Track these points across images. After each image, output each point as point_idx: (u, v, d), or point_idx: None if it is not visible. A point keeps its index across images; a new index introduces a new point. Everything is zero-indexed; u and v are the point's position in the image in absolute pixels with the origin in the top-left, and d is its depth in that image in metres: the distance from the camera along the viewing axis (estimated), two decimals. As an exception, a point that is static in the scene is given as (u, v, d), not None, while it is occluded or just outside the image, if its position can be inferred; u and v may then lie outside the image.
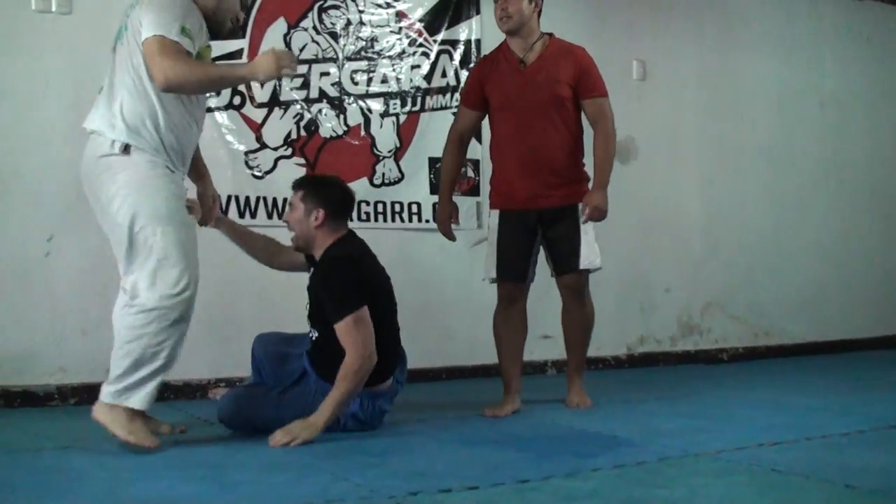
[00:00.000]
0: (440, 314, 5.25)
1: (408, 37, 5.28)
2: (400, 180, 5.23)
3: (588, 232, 3.97)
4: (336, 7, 5.08)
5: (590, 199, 3.88)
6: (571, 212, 3.96)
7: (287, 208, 3.69)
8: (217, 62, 3.71)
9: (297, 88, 4.95)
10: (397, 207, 5.22)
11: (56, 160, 4.22)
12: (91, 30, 4.29)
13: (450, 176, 4.21)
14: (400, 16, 5.26)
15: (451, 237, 4.24)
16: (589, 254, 3.97)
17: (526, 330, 4.11)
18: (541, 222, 3.98)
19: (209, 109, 4.48)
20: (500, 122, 4.04)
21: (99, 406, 3.04)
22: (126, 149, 3.06)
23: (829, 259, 6.78)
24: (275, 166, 4.89)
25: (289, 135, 4.94)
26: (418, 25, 5.31)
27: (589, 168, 4.10)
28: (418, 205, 5.25)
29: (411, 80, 5.26)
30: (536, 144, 3.92)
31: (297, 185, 3.60)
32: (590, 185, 4.00)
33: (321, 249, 3.50)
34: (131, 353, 3.00)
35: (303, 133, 4.97)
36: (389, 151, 5.20)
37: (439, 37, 5.34)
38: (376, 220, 5.12)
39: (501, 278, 4.02)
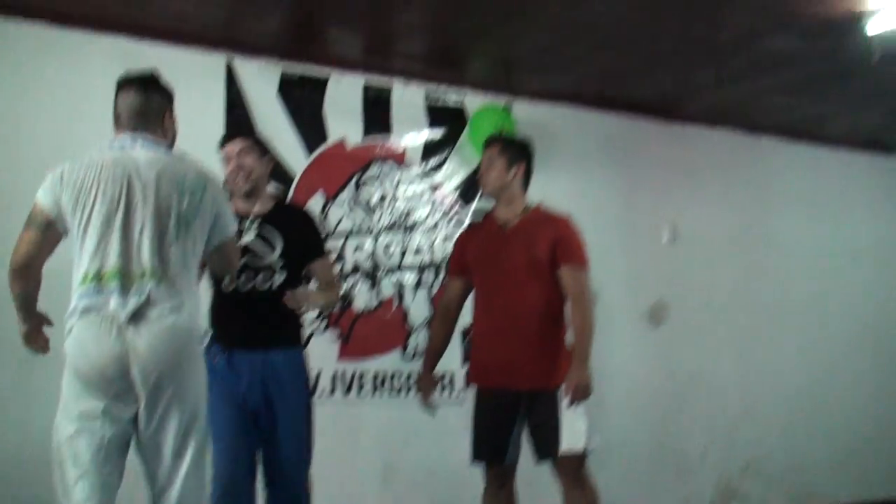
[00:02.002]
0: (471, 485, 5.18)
1: (442, 208, 5.39)
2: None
3: (573, 412, 3.74)
4: (372, 181, 5.20)
5: (570, 379, 3.70)
6: (550, 395, 3.77)
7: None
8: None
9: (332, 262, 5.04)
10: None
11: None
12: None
13: (435, 348, 4.12)
14: (434, 188, 5.37)
15: (433, 411, 4.11)
16: (572, 436, 3.74)
17: None
18: (520, 402, 3.81)
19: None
20: (479, 288, 3.97)
21: None
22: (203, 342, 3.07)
23: (868, 416, 6.64)
24: (308, 341, 4.91)
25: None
26: (452, 197, 5.42)
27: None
28: (451, 375, 5.24)
29: (445, 250, 5.30)
30: (512, 310, 3.80)
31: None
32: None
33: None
34: None
35: (336, 307, 5.03)
36: (422, 322, 5.23)
37: (473, 206, 5.44)
38: (408, 392, 5.09)
39: (478, 459, 3.88)
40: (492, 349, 3.84)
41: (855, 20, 4.55)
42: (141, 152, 2.93)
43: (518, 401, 3.79)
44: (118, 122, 3.02)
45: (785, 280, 6.47)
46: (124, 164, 2.88)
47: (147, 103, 3.02)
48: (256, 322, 3.55)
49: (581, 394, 3.70)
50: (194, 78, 4.43)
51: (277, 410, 3.50)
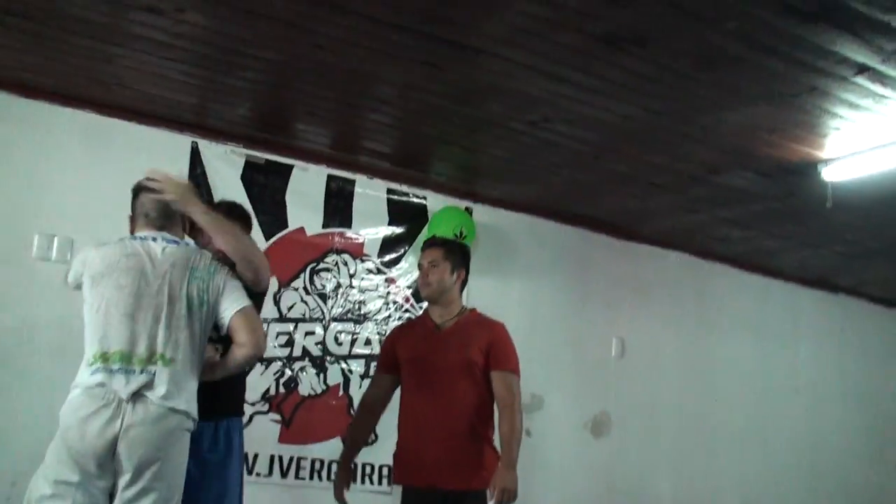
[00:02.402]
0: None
1: (395, 302, 5.44)
2: (374, 442, 5.24)
3: None
4: (328, 270, 5.26)
5: (497, 482, 3.70)
6: (477, 496, 3.76)
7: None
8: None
9: (282, 346, 5.07)
10: (368, 469, 5.22)
11: (29, 405, 4.26)
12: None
13: (354, 442, 4.13)
14: (389, 282, 5.44)
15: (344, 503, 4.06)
16: None
17: None
18: (446, 503, 3.78)
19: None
20: (408, 385, 3.94)
21: None
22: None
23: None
24: (250, 421, 4.92)
25: (267, 391, 4.99)
26: (406, 292, 5.48)
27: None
28: (389, 468, 5.24)
29: (395, 344, 5.37)
30: (442, 408, 3.80)
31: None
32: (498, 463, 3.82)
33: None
34: None
35: (282, 389, 5.03)
36: (365, 412, 5.24)
37: (425, 304, 5.48)
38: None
39: None
40: (420, 447, 3.82)
41: (812, 166, 4.74)
42: (161, 244, 3.15)
43: (445, 501, 3.77)
44: (141, 220, 3.23)
45: (727, 402, 6.60)
46: (142, 254, 3.10)
47: (171, 206, 3.22)
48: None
49: (507, 497, 3.71)
50: (158, 156, 4.50)
51: None
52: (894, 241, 5.99)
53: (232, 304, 3.14)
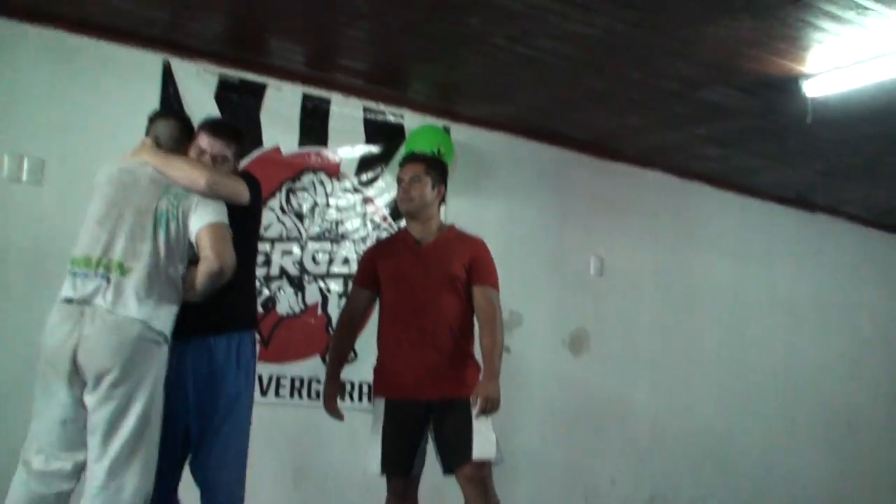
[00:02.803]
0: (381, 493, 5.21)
1: (372, 221, 5.41)
2: (353, 360, 5.25)
3: (483, 423, 3.79)
4: (304, 189, 5.22)
5: (481, 391, 3.77)
6: (461, 404, 3.81)
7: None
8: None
9: (259, 265, 5.03)
10: (348, 387, 5.22)
11: (3, 326, 4.24)
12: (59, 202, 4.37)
13: (338, 356, 4.14)
14: (367, 201, 5.40)
15: (339, 416, 4.09)
16: (483, 444, 3.77)
17: None
18: (430, 413, 3.84)
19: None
20: (389, 300, 3.97)
21: None
22: (166, 340, 3.12)
23: (774, 461, 6.83)
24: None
25: (245, 310, 4.99)
26: (384, 211, 5.44)
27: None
28: (369, 385, 5.26)
29: (373, 262, 5.35)
30: (425, 322, 3.84)
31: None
32: (480, 375, 3.88)
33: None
34: None
35: (260, 310, 5.01)
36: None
37: (402, 223, 5.46)
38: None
39: (387, 472, 3.86)
40: (403, 361, 3.86)
41: (793, 80, 4.69)
42: (152, 168, 3.23)
43: (427, 412, 3.83)
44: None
45: (704, 320, 6.66)
46: (134, 171, 3.21)
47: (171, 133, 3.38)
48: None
49: (490, 406, 3.76)
50: (129, 76, 4.44)
51: None
52: (873, 158, 5.99)
53: (199, 220, 3.15)
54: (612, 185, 6.29)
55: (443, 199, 4.07)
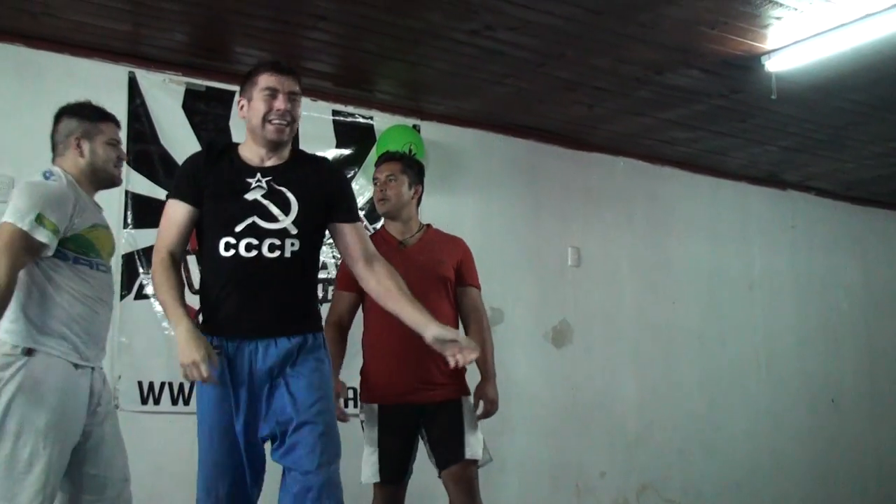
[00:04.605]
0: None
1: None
2: (336, 364, 5.25)
3: (472, 423, 3.81)
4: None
5: (484, 394, 3.80)
6: (453, 404, 3.81)
7: None
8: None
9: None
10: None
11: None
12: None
13: (335, 357, 3.93)
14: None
15: (344, 418, 4.01)
16: (474, 444, 3.78)
17: None
18: (421, 417, 3.81)
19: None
20: (374, 303, 3.57)
21: None
22: (29, 352, 2.96)
23: (761, 440, 6.88)
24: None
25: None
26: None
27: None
28: (354, 390, 5.24)
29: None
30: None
31: None
32: (467, 375, 3.86)
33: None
34: None
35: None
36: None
37: (379, 224, 5.45)
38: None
39: (386, 481, 3.79)
40: (396, 366, 3.78)
41: (755, 59, 4.74)
42: None
43: (420, 415, 3.80)
44: None
45: (683, 303, 6.69)
46: None
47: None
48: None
49: (494, 408, 3.81)
50: (96, 89, 4.36)
51: None
52: (836, 131, 6.05)
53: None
54: (585, 174, 6.31)
55: (419, 199, 4.03)
